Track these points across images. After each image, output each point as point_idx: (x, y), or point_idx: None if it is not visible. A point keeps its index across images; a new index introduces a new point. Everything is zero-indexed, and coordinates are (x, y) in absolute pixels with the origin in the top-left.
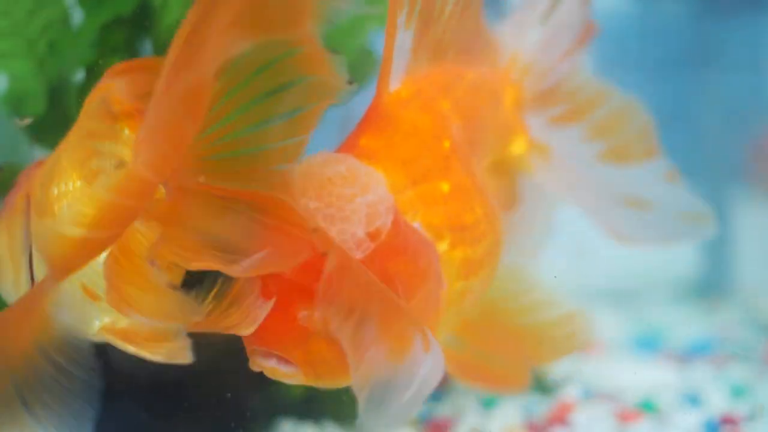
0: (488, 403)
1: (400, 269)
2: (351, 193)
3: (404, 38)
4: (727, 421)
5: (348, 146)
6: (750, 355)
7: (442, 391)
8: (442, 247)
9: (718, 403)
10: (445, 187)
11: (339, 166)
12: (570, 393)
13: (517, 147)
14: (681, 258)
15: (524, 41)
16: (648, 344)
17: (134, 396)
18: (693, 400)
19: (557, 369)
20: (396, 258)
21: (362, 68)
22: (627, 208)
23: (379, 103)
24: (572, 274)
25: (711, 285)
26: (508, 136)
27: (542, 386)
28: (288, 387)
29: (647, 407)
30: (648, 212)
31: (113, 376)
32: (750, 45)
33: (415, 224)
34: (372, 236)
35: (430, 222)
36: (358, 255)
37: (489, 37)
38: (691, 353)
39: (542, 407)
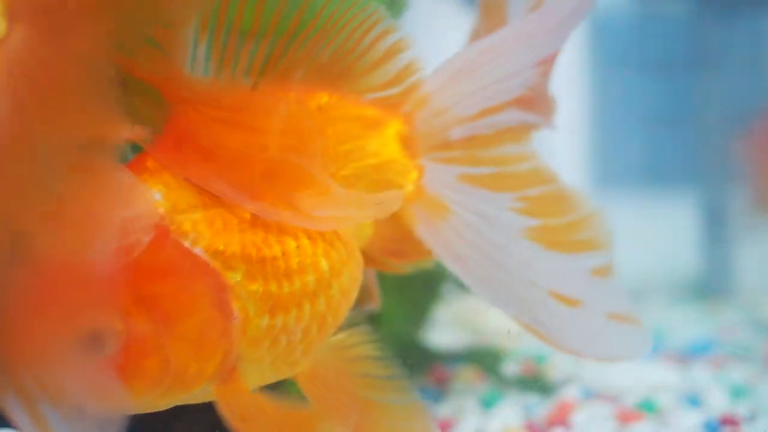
0: (488, 404)
1: (161, 292)
2: (105, 206)
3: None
4: (728, 421)
5: (139, 159)
6: (750, 356)
7: (442, 391)
8: (235, 277)
9: (718, 403)
10: (247, 213)
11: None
12: (570, 393)
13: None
14: (681, 259)
15: (433, 74)
16: None
17: None
18: (693, 400)
19: (557, 369)
20: (155, 279)
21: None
22: (550, 300)
23: (178, 116)
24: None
25: (711, 285)
26: (386, 173)
27: (542, 386)
28: (288, 387)
29: (647, 408)
30: (575, 309)
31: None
32: (750, 45)
33: (196, 249)
34: (121, 253)
35: (217, 249)
36: (104, 272)
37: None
38: (692, 354)
39: (542, 407)
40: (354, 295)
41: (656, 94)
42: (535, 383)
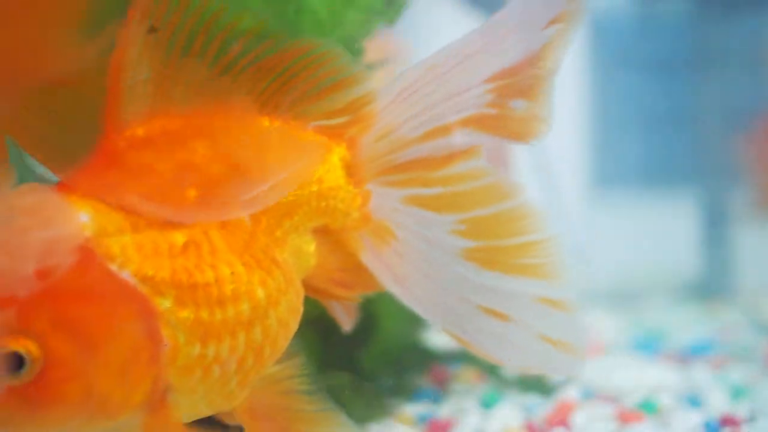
0: (488, 404)
1: (84, 315)
2: (26, 226)
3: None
4: (728, 421)
5: (68, 180)
6: (750, 356)
7: (442, 391)
8: (164, 303)
9: (718, 403)
10: (179, 239)
11: (29, 196)
12: (570, 393)
13: (344, 218)
14: (681, 259)
15: (380, 93)
16: (648, 345)
17: None
18: (693, 400)
19: None
20: (78, 303)
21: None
22: (483, 317)
23: (109, 138)
24: (572, 274)
25: (711, 286)
26: (330, 201)
27: (542, 387)
28: None
29: (647, 408)
30: (509, 327)
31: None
32: (750, 45)
33: (124, 273)
34: (40, 274)
35: (146, 274)
36: (21, 293)
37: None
38: (692, 354)
39: (542, 408)
40: (294, 325)
41: (656, 94)
42: (535, 383)
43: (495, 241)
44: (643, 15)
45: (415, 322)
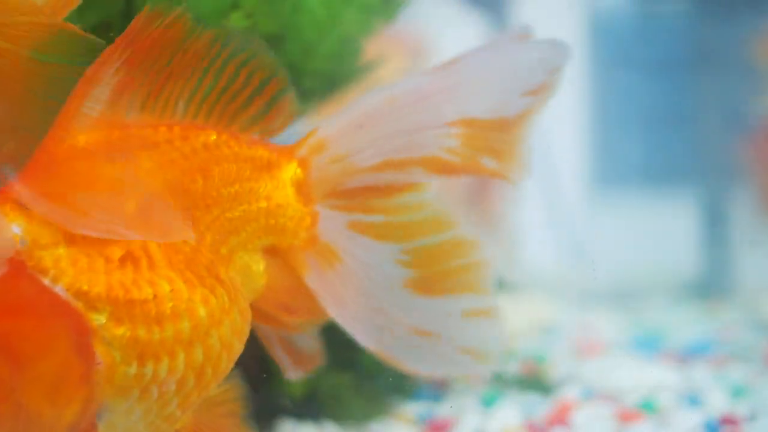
0: (488, 403)
1: (12, 330)
2: None
3: (103, 85)
4: (727, 421)
5: (2, 191)
6: (750, 356)
7: (442, 391)
8: (99, 319)
9: (718, 403)
10: (116, 253)
11: None
12: (570, 393)
13: (292, 237)
14: (681, 259)
15: (332, 118)
16: (648, 344)
17: None
18: (693, 400)
19: (557, 369)
20: (6, 317)
21: (344, 59)
22: (413, 337)
23: (48, 147)
24: (572, 275)
25: (711, 285)
26: (279, 218)
27: (542, 386)
28: (288, 387)
29: (647, 407)
30: (434, 344)
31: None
32: (750, 45)
33: (57, 287)
34: None
35: (80, 288)
36: None
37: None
38: (691, 353)
39: (542, 407)
40: (238, 347)
41: (656, 94)
42: (535, 383)
43: (433, 268)
44: (643, 15)
45: None
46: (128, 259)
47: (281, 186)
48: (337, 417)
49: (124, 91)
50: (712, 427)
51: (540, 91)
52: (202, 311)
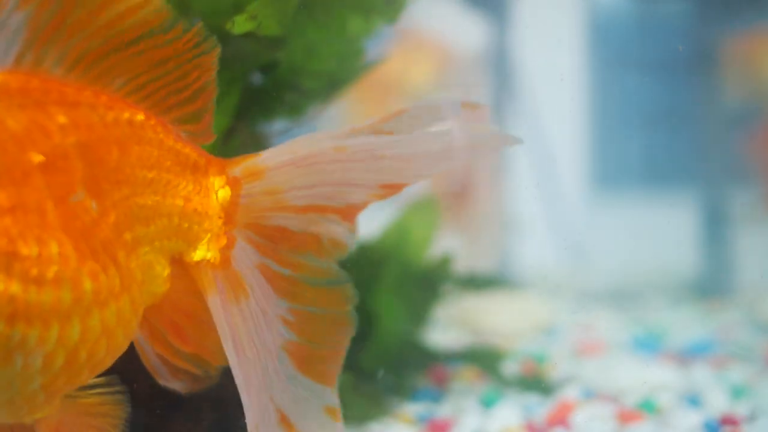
0: (488, 404)
1: None
2: None
3: (15, 19)
4: (728, 421)
5: None
6: (750, 356)
7: (442, 391)
8: None
9: (718, 403)
10: (6, 200)
11: None
12: (570, 393)
13: (204, 251)
14: (681, 259)
15: (276, 150)
16: (648, 345)
17: (134, 396)
18: (693, 400)
19: (557, 369)
20: None
21: (346, 60)
22: (274, 415)
23: None
24: (572, 275)
25: (711, 285)
26: (193, 225)
27: (542, 386)
28: None
29: (647, 407)
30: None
31: (113, 375)
32: (750, 45)
33: None
34: None
35: None
36: None
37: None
38: (692, 354)
39: (542, 407)
40: (122, 341)
41: (656, 94)
42: (535, 383)
43: (313, 343)
44: (643, 15)
45: (415, 321)
46: (19, 209)
47: (204, 193)
48: None
49: (50, 44)
50: (712, 427)
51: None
52: (87, 285)
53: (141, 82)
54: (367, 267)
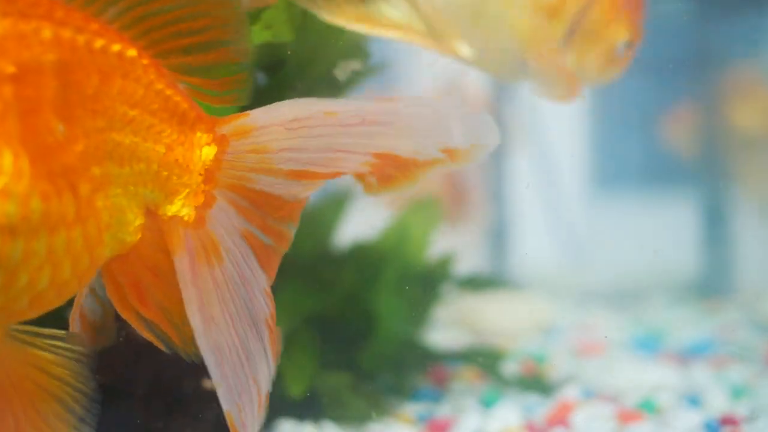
0: (488, 404)
1: None
2: None
3: None
4: (728, 421)
5: None
6: (750, 356)
7: (442, 391)
8: None
9: (718, 403)
10: None
11: None
12: (570, 393)
13: (179, 206)
14: (681, 259)
15: (265, 110)
16: (648, 345)
17: (133, 396)
18: (693, 400)
19: (557, 369)
20: None
21: (351, 61)
22: (250, 388)
23: None
24: (573, 274)
25: (711, 286)
26: (172, 176)
27: (542, 386)
28: (288, 387)
29: (647, 408)
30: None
31: (113, 376)
32: (750, 45)
33: None
34: None
35: None
36: None
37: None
38: (692, 354)
39: (542, 407)
40: (69, 279)
41: (656, 94)
42: (535, 383)
43: None
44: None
45: (415, 322)
46: None
47: (187, 145)
48: (337, 417)
49: None
50: (712, 427)
51: (456, 155)
52: (36, 205)
53: (137, 16)
54: (367, 267)
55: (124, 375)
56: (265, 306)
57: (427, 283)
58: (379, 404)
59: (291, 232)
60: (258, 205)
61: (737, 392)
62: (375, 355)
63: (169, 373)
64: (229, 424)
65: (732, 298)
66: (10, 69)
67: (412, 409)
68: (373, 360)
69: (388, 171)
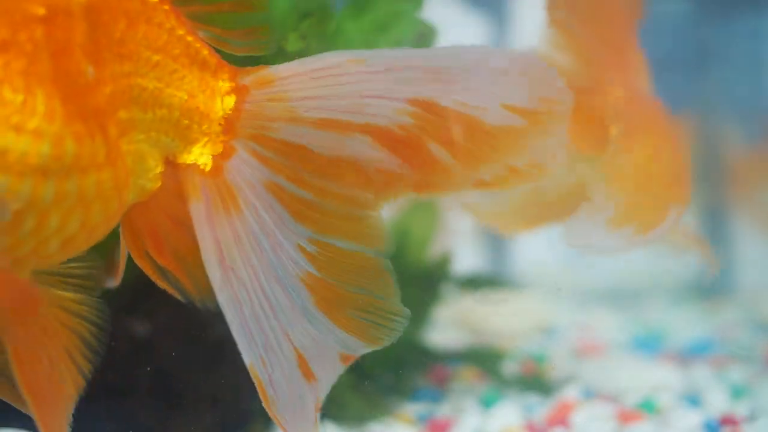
0: (488, 404)
1: None
2: None
3: None
4: (727, 421)
5: None
6: (750, 356)
7: (442, 391)
8: None
9: (718, 403)
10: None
11: None
12: (570, 393)
13: (197, 155)
14: (681, 259)
15: (289, 64)
16: (648, 345)
17: (134, 396)
18: (693, 400)
19: (557, 369)
20: None
21: None
22: (295, 367)
23: None
24: (573, 274)
25: (711, 286)
26: (192, 123)
27: (542, 386)
28: None
29: (647, 408)
30: (309, 384)
31: (113, 376)
32: (750, 45)
33: None
34: None
35: None
36: None
37: None
38: (692, 354)
39: (542, 407)
40: (98, 222)
41: (656, 94)
42: (535, 383)
43: (338, 282)
44: (643, 15)
45: (415, 321)
46: (12, 49)
47: (209, 93)
48: (337, 417)
49: None
50: (712, 427)
51: (527, 113)
52: (70, 146)
53: None
54: None
55: (125, 375)
56: (299, 261)
57: (427, 283)
58: (379, 404)
59: (335, 188)
60: (286, 156)
61: (737, 392)
62: (375, 355)
63: (170, 373)
64: (252, 377)
65: (732, 298)
66: (41, 11)
67: (412, 409)
68: (373, 360)
69: (452, 137)
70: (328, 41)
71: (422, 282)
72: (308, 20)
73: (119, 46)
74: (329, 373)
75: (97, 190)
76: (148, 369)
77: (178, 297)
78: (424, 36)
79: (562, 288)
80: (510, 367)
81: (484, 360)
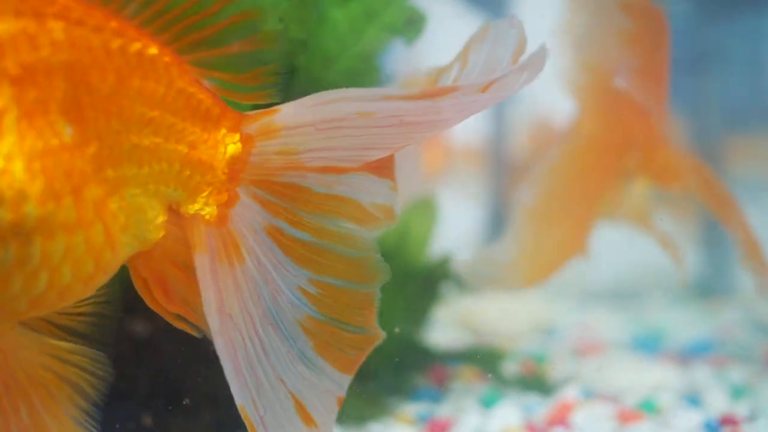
0: (488, 404)
1: None
2: None
3: None
4: (727, 421)
5: None
6: (750, 356)
7: (442, 391)
8: None
9: (718, 403)
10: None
11: None
12: (570, 393)
13: (202, 204)
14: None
15: (295, 108)
16: (648, 345)
17: (134, 396)
18: (693, 400)
19: (557, 369)
20: None
21: (362, 76)
22: (291, 407)
23: None
24: (572, 274)
25: (711, 286)
26: (195, 174)
27: (542, 386)
28: None
29: (647, 408)
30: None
31: (113, 375)
32: (750, 45)
33: None
34: None
35: None
36: None
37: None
38: (692, 354)
39: (542, 407)
40: (74, 287)
41: None
42: (535, 383)
43: (338, 322)
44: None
45: (415, 322)
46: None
47: (211, 143)
48: (337, 417)
49: None
50: (712, 427)
51: None
52: (29, 209)
53: (158, 9)
54: None
55: (125, 375)
56: (299, 304)
57: (427, 283)
58: (379, 404)
59: (332, 227)
60: (286, 198)
61: (737, 392)
62: (375, 355)
63: (169, 373)
64: (243, 418)
65: (732, 298)
66: (15, 71)
67: (412, 409)
68: (373, 360)
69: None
70: (312, 27)
71: (422, 282)
72: (288, 3)
73: (107, 103)
74: (328, 418)
75: (66, 253)
76: (149, 369)
77: (195, 334)
78: (413, 22)
79: (562, 288)
80: (510, 367)
81: (484, 360)
